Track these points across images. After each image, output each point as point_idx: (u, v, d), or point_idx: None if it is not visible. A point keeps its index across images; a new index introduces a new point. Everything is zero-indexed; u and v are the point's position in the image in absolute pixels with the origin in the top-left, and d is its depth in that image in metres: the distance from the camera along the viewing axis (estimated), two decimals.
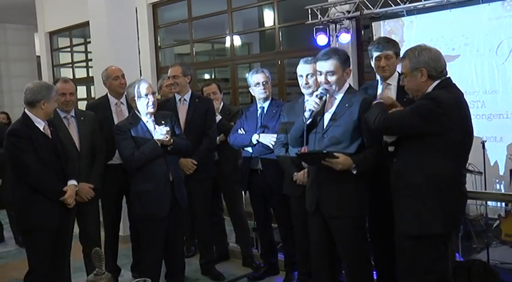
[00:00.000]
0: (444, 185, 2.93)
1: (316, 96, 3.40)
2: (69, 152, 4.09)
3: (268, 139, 4.28)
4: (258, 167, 4.44)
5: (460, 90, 3.03)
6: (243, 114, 4.65)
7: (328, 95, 3.43)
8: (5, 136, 3.71)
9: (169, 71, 4.81)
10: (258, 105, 4.47)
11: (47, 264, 3.71)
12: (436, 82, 2.97)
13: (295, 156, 3.56)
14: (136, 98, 4.06)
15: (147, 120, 4.11)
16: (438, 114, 2.86)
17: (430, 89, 2.98)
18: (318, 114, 3.46)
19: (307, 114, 3.42)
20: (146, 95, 4.03)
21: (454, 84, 3.03)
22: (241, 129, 4.48)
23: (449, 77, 3.01)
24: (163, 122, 4.13)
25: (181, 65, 4.79)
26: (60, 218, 3.76)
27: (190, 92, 4.79)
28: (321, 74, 3.39)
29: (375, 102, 3.20)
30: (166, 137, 3.99)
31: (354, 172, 3.28)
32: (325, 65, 3.35)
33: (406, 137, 3.01)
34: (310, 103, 3.40)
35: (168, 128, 4.01)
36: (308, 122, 3.45)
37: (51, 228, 3.71)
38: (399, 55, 3.59)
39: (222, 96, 5.32)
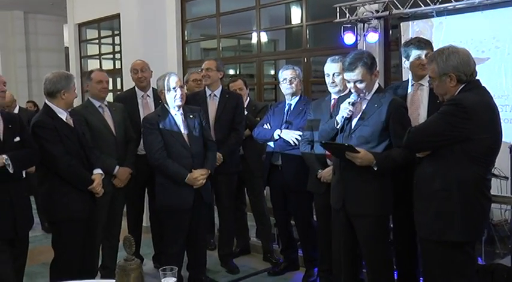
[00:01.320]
0: (468, 191, 2.88)
1: (349, 103, 3.43)
2: (105, 138, 4.24)
3: (290, 135, 4.31)
4: (279, 162, 4.49)
5: (488, 92, 2.97)
6: (271, 109, 4.69)
7: (359, 99, 3.45)
8: (30, 128, 3.72)
9: (203, 64, 4.87)
10: (286, 102, 4.50)
11: (74, 254, 3.74)
12: (464, 84, 2.91)
13: (320, 144, 3.57)
14: (165, 91, 4.12)
15: (175, 113, 4.17)
16: (462, 119, 2.80)
17: (459, 90, 2.92)
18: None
19: (339, 119, 3.47)
20: (175, 88, 4.09)
21: (482, 86, 2.96)
22: (267, 124, 4.52)
23: (477, 80, 2.95)
24: (191, 115, 4.20)
25: (216, 60, 4.87)
26: (89, 209, 3.80)
27: (221, 87, 4.85)
28: (349, 83, 3.43)
29: None
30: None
31: (375, 169, 3.29)
32: (353, 75, 3.37)
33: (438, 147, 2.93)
34: (344, 110, 3.44)
35: None
36: (339, 127, 3.50)
37: (81, 218, 3.75)
38: None
39: (248, 92, 5.36)
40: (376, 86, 3.48)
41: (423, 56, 3.58)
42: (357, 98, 3.44)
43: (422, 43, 3.67)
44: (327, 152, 3.91)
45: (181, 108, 4.17)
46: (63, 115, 3.76)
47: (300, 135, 4.25)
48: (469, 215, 2.89)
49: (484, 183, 2.95)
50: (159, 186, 4.23)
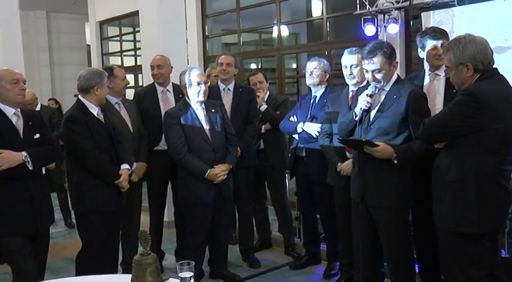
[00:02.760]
0: (484, 183, 2.85)
1: (367, 95, 3.43)
2: (124, 135, 4.29)
3: (313, 128, 4.33)
4: (303, 154, 4.53)
5: (506, 81, 2.92)
6: (298, 101, 4.74)
7: (377, 90, 3.45)
8: (62, 122, 3.86)
9: (221, 58, 4.89)
10: (312, 94, 4.52)
11: (99, 244, 3.84)
12: (480, 73, 2.87)
13: (338, 141, 3.58)
14: (187, 86, 4.15)
15: (197, 108, 4.20)
16: (475, 109, 2.77)
17: (475, 78, 2.88)
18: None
19: (357, 111, 3.47)
20: (198, 83, 4.12)
21: (499, 75, 2.91)
22: (294, 116, 4.56)
23: (495, 68, 2.90)
24: (213, 110, 4.23)
25: (234, 56, 4.91)
26: (116, 202, 3.89)
27: (234, 82, 4.88)
28: (367, 72, 3.42)
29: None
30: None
31: (395, 162, 3.29)
32: (371, 64, 3.36)
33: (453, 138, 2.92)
34: (362, 102, 3.44)
35: None
36: (357, 119, 3.50)
37: (108, 210, 3.84)
38: None
39: (268, 85, 5.38)
40: (395, 76, 3.46)
41: (439, 46, 3.56)
42: (374, 89, 3.43)
43: (438, 33, 3.65)
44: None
45: (203, 103, 4.21)
46: (95, 110, 3.85)
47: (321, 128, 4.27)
48: (484, 207, 2.86)
49: (502, 174, 2.89)
50: (180, 180, 4.28)
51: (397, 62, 3.47)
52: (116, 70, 4.51)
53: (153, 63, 4.87)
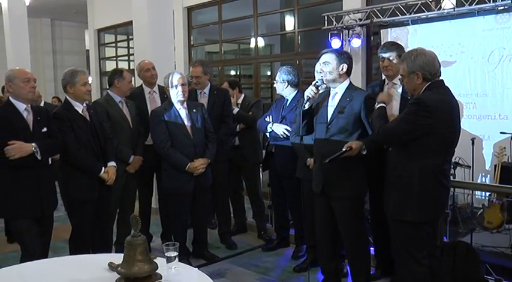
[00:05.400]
0: (427, 179, 2.89)
1: (314, 85, 3.48)
2: (125, 130, 4.28)
3: (280, 129, 4.36)
4: (274, 150, 4.55)
5: (449, 91, 2.96)
6: (274, 103, 4.75)
7: (323, 84, 3.48)
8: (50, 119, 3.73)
9: (191, 71, 4.82)
10: (285, 97, 4.53)
11: (87, 229, 3.77)
12: (429, 82, 2.91)
13: (325, 162, 3.52)
14: (169, 88, 4.14)
15: (180, 107, 4.17)
16: (424, 116, 2.80)
17: (424, 88, 2.91)
18: (321, 105, 3.52)
19: (305, 97, 3.51)
20: (176, 85, 4.09)
21: (445, 86, 2.96)
22: (269, 116, 4.58)
23: (441, 80, 2.95)
24: (194, 110, 4.22)
25: (201, 65, 4.79)
26: (98, 191, 3.77)
27: (209, 85, 4.84)
28: (320, 65, 3.48)
29: (377, 106, 3.16)
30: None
31: (364, 152, 3.29)
32: (322, 57, 3.45)
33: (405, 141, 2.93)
34: (308, 91, 3.48)
35: None
36: (305, 108, 3.53)
37: (90, 199, 3.75)
38: None
39: (236, 91, 5.24)
40: (347, 82, 3.47)
41: (386, 58, 3.61)
42: (320, 82, 3.48)
43: (385, 47, 3.69)
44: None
45: (184, 103, 4.18)
46: (80, 108, 3.72)
47: (286, 129, 4.30)
48: (426, 200, 2.91)
49: (442, 172, 2.95)
50: (164, 172, 4.26)
51: (346, 66, 3.42)
52: (124, 73, 4.47)
53: (149, 66, 4.81)
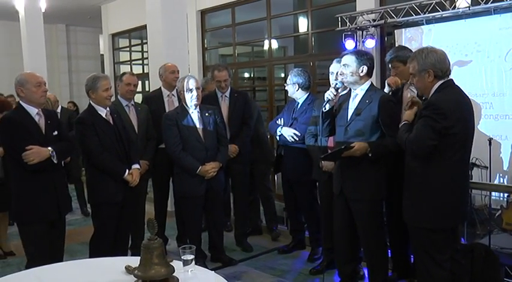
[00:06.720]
0: (444, 182, 2.86)
1: (334, 87, 3.48)
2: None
3: (289, 132, 4.35)
4: (283, 153, 4.56)
5: (460, 90, 2.94)
6: (286, 105, 4.76)
7: (343, 85, 3.47)
8: (74, 124, 3.83)
9: (218, 76, 4.76)
10: (296, 99, 4.52)
11: (110, 231, 3.80)
12: (440, 82, 2.89)
13: (320, 159, 3.56)
14: (184, 91, 4.14)
15: (192, 111, 4.19)
16: (441, 118, 2.78)
17: (435, 87, 2.90)
18: (342, 107, 3.50)
19: (325, 99, 3.51)
20: (191, 89, 4.11)
21: (455, 85, 2.94)
22: (281, 119, 4.57)
23: (451, 79, 2.92)
24: (207, 113, 4.22)
25: (226, 69, 4.80)
26: (123, 194, 3.81)
27: (229, 88, 4.86)
28: (341, 75, 3.47)
29: (401, 124, 3.10)
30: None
31: (370, 155, 3.28)
32: (343, 59, 3.44)
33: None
34: (328, 93, 3.49)
35: None
36: (326, 109, 3.52)
37: (115, 202, 3.78)
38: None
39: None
40: (367, 84, 3.46)
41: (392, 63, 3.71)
42: (341, 84, 3.48)
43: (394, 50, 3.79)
44: (329, 145, 3.93)
45: (197, 107, 4.19)
46: (103, 112, 3.76)
47: (294, 134, 4.31)
48: (443, 205, 2.88)
49: (460, 175, 2.92)
50: (176, 175, 4.29)
51: (368, 71, 3.40)
52: (124, 76, 4.53)
53: (174, 69, 4.85)
